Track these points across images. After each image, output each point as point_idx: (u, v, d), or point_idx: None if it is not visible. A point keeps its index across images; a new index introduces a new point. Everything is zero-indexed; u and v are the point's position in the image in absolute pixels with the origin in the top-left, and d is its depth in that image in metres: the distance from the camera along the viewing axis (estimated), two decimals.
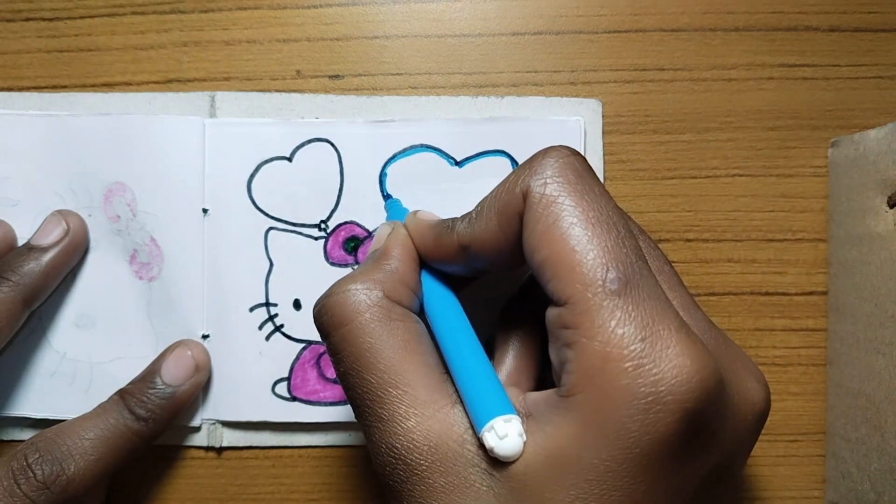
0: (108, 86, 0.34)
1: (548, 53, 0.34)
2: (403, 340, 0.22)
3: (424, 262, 0.26)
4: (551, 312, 0.21)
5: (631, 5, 0.34)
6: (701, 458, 0.20)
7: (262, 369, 0.33)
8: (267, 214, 0.33)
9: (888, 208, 0.30)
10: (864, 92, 0.34)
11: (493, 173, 0.33)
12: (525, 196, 0.22)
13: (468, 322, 0.24)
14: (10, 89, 0.34)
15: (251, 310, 0.33)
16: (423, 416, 0.21)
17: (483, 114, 0.34)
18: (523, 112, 0.34)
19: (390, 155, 0.33)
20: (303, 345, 0.33)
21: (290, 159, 0.33)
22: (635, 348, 0.19)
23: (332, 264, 0.33)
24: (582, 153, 0.33)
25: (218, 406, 0.33)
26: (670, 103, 0.34)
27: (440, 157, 0.33)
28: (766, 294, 0.34)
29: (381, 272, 0.24)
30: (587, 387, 0.19)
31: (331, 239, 0.33)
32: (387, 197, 0.33)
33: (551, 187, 0.21)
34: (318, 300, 0.24)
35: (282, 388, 0.33)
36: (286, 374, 0.33)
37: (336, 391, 0.33)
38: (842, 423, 0.32)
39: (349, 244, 0.33)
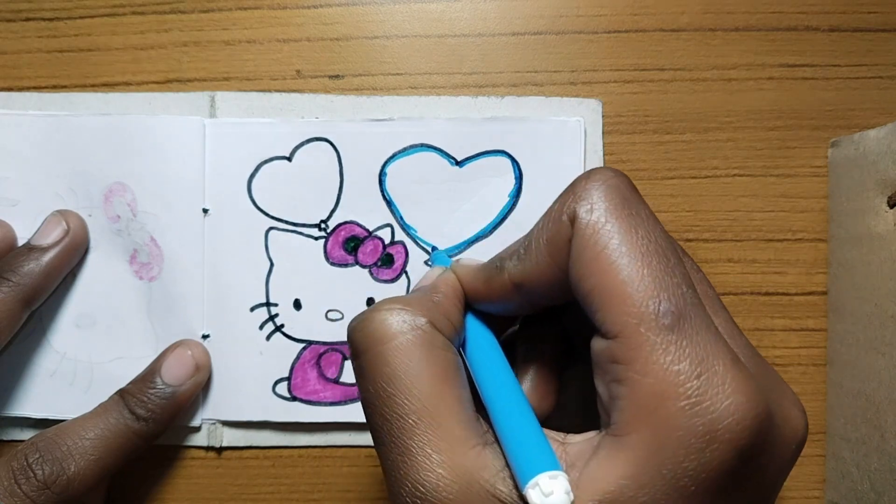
0: (108, 86, 0.34)
1: (548, 53, 0.34)
2: (443, 370, 0.21)
3: (469, 306, 0.25)
4: (599, 344, 0.20)
5: (631, 5, 0.34)
6: (748, 491, 0.20)
7: (262, 369, 0.33)
8: (267, 214, 0.33)
9: (888, 208, 0.30)
10: (864, 92, 0.34)
11: (493, 173, 0.33)
12: (572, 222, 0.21)
13: (510, 369, 0.23)
14: (10, 89, 0.34)
15: (251, 310, 0.33)
16: (455, 453, 0.20)
17: (483, 114, 0.34)
18: (523, 112, 0.34)
19: (390, 154, 0.33)
20: (303, 345, 0.33)
21: (289, 159, 0.33)
22: (691, 386, 0.18)
23: (332, 264, 0.33)
24: (587, 152, 0.33)
25: (218, 406, 0.33)
26: (670, 103, 0.34)
27: (440, 156, 0.33)
28: (766, 294, 0.34)
29: (429, 302, 0.23)
30: (641, 426, 0.19)
31: (331, 239, 0.33)
32: (432, 249, 0.33)
33: (598, 213, 0.21)
34: (358, 315, 0.23)
35: (282, 388, 0.33)
36: (286, 374, 0.33)
37: (336, 391, 0.33)
38: (842, 423, 0.32)
39: (349, 244, 0.33)
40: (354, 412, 0.33)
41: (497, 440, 0.21)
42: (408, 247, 0.33)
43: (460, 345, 0.24)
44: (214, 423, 0.34)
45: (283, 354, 0.33)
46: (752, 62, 0.34)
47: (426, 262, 0.33)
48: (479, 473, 0.20)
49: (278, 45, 0.34)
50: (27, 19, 0.35)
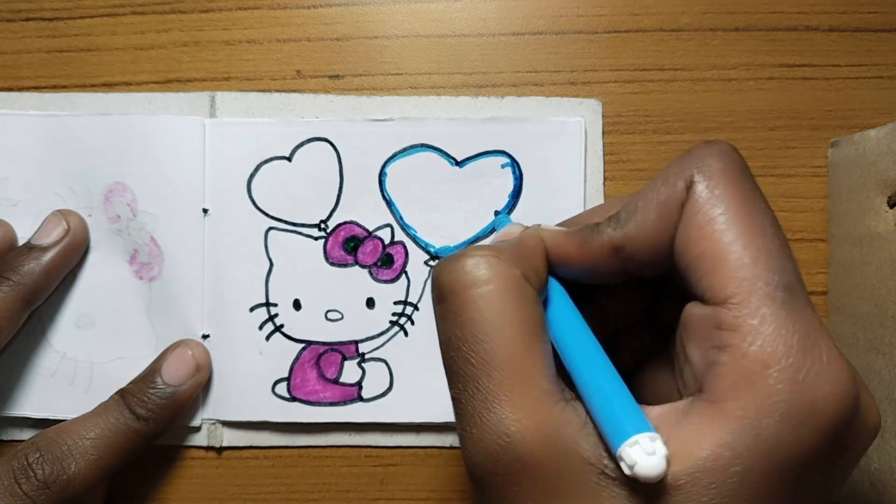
0: (108, 86, 0.34)
1: (548, 53, 0.34)
2: (533, 323, 0.21)
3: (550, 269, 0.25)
4: (700, 310, 0.20)
5: (631, 5, 0.34)
6: (831, 471, 0.20)
7: (262, 369, 0.33)
8: (267, 214, 0.33)
9: (888, 208, 0.30)
10: (864, 92, 0.34)
11: (493, 173, 0.33)
12: (688, 186, 0.21)
13: (592, 332, 0.23)
14: (10, 89, 0.34)
15: (251, 310, 0.33)
16: (540, 407, 0.19)
17: (483, 114, 0.34)
18: (523, 112, 0.34)
19: (390, 154, 0.33)
20: (303, 345, 0.33)
21: (289, 159, 0.33)
22: (796, 359, 0.18)
23: (332, 264, 0.33)
24: (588, 152, 0.33)
25: (218, 406, 0.33)
26: (670, 103, 0.34)
27: (440, 156, 0.33)
28: None
29: (519, 254, 0.22)
30: (743, 394, 0.18)
31: (330, 239, 0.33)
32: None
33: (718, 179, 0.20)
34: (444, 259, 0.22)
35: (282, 389, 0.33)
36: (286, 374, 0.33)
37: (336, 391, 0.33)
38: None
39: (349, 244, 0.33)
40: (354, 412, 0.33)
41: (578, 399, 0.20)
42: (408, 247, 0.33)
43: (543, 304, 0.23)
44: (214, 423, 0.34)
45: (283, 355, 0.33)
46: (752, 62, 0.34)
47: (426, 263, 0.33)
48: (563, 428, 0.19)
49: (278, 45, 0.34)
50: (27, 19, 0.35)
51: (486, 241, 0.25)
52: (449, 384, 0.21)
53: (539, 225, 0.25)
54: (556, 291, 0.24)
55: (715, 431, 0.18)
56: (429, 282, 0.33)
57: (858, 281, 0.31)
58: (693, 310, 0.21)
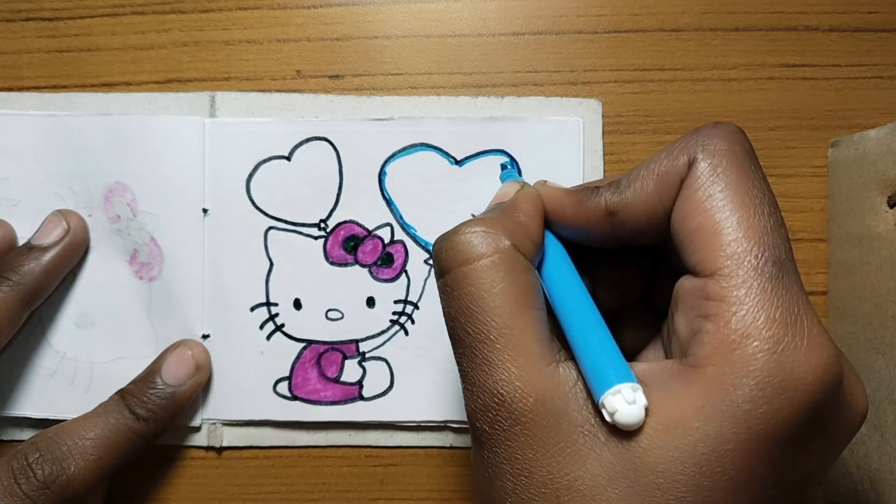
0: (108, 86, 0.34)
1: (548, 53, 0.34)
2: (524, 292, 0.22)
3: (547, 225, 0.26)
4: (690, 282, 0.21)
5: (631, 5, 0.34)
6: (811, 450, 0.20)
7: (262, 369, 0.33)
8: (266, 214, 0.33)
9: (888, 208, 0.30)
10: (864, 92, 0.34)
11: (494, 173, 0.33)
12: (691, 163, 0.22)
13: (586, 289, 0.24)
14: (10, 89, 0.34)
15: (251, 309, 0.33)
16: (532, 369, 0.21)
17: (483, 114, 0.34)
18: (523, 112, 0.34)
19: (390, 153, 0.33)
20: (303, 344, 0.33)
21: (288, 158, 0.33)
22: (777, 332, 0.19)
23: (332, 263, 0.33)
24: (587, 152, 0.33)
25: (218, 406, 0.33)
26: (670, 103, 0.34)
27: (440, 156, 0.33)
28: None
29: (511, 222, 0.23)
30: (721, 360, 0.19)
31: (330, 238, 0.33)
32: (503, 167, 0.32)
33: (721, 158, 0.21)
34: (442, 236, 0.23)
35: (283, 388, 0.33)
36: (287, 374, 0.33)
37: (337, 391, 0.33)
38: None
39: (349, 243, 0.33)
40: (355, 412, 0.33)
41: (572, 359, 0.22)
42: (407, 246, 0.33)
43: (538, 263, 0.24)
44: (214, 423, 0.34)
45: (284, 354, 0.33)
46: (752, 62, 0.34)
47: (426, 262, 0.33)
48: (554, 389, 0.21)
49: (278, 45, 0.34)
50: (27, 19, 0.35)
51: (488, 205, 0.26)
52: (453, 350, 0.23)
53: (545, 182, 0.26)
54: (553, 249, 0.25)
55: (690, 395, 0.19)
56: (429, 281, 0.33)
57: (858, 281, 0.31)
58: (684, 282, 0.22)
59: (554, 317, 0.23)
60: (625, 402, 0.19)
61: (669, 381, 0.20)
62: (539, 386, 0.20)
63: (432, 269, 0.33)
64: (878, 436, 0.29)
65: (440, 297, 0.23)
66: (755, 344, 0.19)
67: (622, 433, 0.20)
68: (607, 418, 0.19)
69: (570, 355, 0.22)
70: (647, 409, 0.19)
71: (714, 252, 0.20)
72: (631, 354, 0.26)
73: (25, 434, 0.34)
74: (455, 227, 0.23)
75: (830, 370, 0.19)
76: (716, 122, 0.22)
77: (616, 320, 0.27)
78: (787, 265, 0.20)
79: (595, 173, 0.33)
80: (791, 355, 0.19)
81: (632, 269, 0.27)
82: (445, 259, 0.23)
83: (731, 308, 0.20)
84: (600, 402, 0.20)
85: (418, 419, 0.33)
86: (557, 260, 0.24)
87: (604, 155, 0.34)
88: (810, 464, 0.20)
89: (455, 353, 0.23)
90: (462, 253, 0.22)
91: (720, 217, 0.20)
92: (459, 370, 0.23)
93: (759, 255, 0.20)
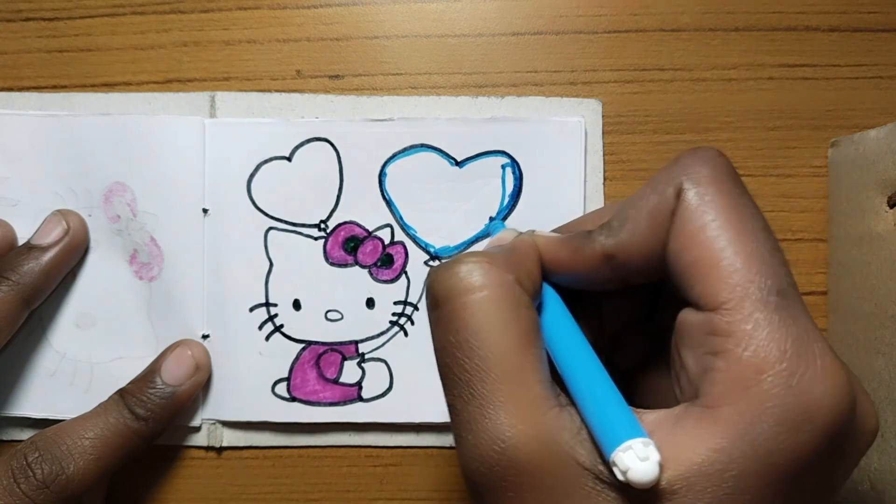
0: (108, 86, 0.34)
1: (548, 53, 0.34)
2: (527, 328, 0.21)
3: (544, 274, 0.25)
4: (693, 316, 0.20)
5: (631, 5, 0.34)
6: (829, 475, 0.20)
7: (261, 369, 0.33)
8: (267, 214, 0.33)
9: (888, 208, 0.30)
10: (864, 92, 0.34)
11: (493, 173, 0.33)
12: (678, 193, 0.21)
13: (586, 339, 0.23)
14: (10, 89, 0.34)
15: (251, 310, 0.33)
16: (535, 412, 0.19)
17: (483, 114, 0.34)
18: (523, 112, 0.34)
19: (390, 154, 0.33)
20: (302, 345, 0.33)
21: (289, 159, 0.33)
22: (790, 364, 0.18)
23: (332, 264, 0.33)
24: (588, 152, 0.33)
25: (218, 406, 0.33)
26: (670, 103, 0.34)
27: (440, 156, 0.33)
28: None
29: (513, 261, 0.22)
30: (737, 399, 0.19)
31: (330, 239, 0.33)
32: (492, 219, 0.33)
33: (707, 185, 0.21)
34: (438, 266, 0.22)
35: (281, 389, 0.33)
36: (286, 375, 0.33)
37: (336, 391, 0.33)
38: None
39: (349, 244, 0.33)
40: (354, 412, 0.33)
41: (572, 404, 0.21)
42: (407, 247, 0.33)
43: (537, 309, 0.23)
44: (214, 423, 0.34)
45: (283, 355, 0.33)
46: (752, 62, 0.34)
47: (426, 263, 0.33)
48: (558, 434, 0.19)
49: (278, 45, 0.34)
50: (27, 19, 0.35)
51: (480, 246, 0.25)
52: (444, 390, 0.21)
53: (534, 231, 0.25)
54: (550, 297, 0.24)
55: (710, 437, 0.19)
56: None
57: (858, 281, 0.31)
58: (687, 316, 0.21)
59: (552, 364, 0.22)
60: (637, 458, 0.18)
61: (685, 427, 0.19)
62: (544, 429, 0.19)
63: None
64: (878, 436, 0.29)
65: (432, 331, 0.22)
66: (770, 379, 0.18)
67: (638, 490, 0.18)
68: (620, 476, 0.18)
69: (571, 401, 0.21)
70: (661, 463, 0.18)
71: (715, 285, 0.20)
72: (630, 376, 0.26)
73: (25, 434, 0.34)
74: (453, 258, 0.22)
75: (846, 398, 0.19)
76: (694, 147, 0.22)
77: (612, 346, 0.26)
78: (791, 292, 0.20)
79: (595, 173, 0.33)
80: (807, 386, 0.18)
81: (629, 296, 0.26)
82: (442, 289, 0.21)
83: (741, 343, 0.19)
84: (611, 459, 0.19)
85: (418, 420, 0.33)
86: (556, 308, 0.24)
87: (604, 155, 0.34)
88: (825, 485, 0.20)
89: (447, 395, 0.21)
90: (462, 282, 0.21)
91: (717, 247, 0.20)
92: (452, 416, 0.21)
93: (762, 286, 0.19)
